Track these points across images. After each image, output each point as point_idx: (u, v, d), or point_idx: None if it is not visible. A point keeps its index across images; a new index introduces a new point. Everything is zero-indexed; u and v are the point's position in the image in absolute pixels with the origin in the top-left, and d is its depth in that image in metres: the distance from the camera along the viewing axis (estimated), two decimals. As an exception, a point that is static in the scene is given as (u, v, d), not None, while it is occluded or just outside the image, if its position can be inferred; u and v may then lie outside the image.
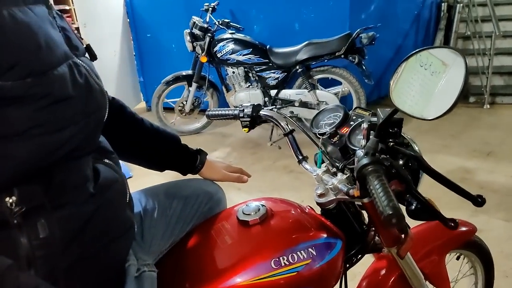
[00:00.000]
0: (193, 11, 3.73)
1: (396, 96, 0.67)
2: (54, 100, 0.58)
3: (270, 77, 3.45)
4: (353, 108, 1.00)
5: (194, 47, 3.54)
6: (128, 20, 4.43)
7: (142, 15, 4.35)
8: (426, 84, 0.64)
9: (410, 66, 0.67)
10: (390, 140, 0.73)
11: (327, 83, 3.50)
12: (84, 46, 0.76)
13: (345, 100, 3.52)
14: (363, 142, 0.76)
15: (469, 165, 3.04)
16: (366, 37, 3.05)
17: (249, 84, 3.57)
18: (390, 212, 0.58)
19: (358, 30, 3.07)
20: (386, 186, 0.63)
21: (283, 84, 3.46)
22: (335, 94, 3.37)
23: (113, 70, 4.20)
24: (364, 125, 0.74)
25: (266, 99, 3.52)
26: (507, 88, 4.40)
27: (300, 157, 1.05)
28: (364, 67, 3.17)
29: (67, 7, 4.10)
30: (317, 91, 3.36)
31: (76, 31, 0.77)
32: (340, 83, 3.42)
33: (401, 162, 0.82)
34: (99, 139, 0.75)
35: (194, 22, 3.51)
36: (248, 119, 1.08)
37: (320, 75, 3.39)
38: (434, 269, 1.14)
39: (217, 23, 3.48)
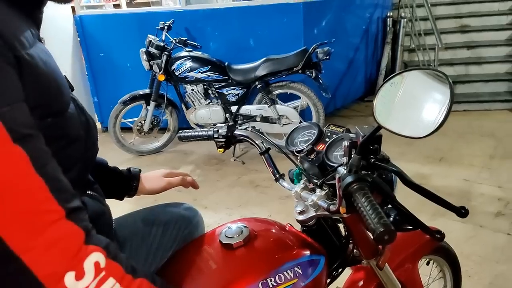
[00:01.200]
0: (147, 29, 3.69)
1: (378, 114, 0.69)
2: (70, 140, 0.57)
3: (230, 93, 3.46)
4: (327, 125, 1.03)
5: (151, 66, 3.49)
6: (79, 39, 4.28)
7: (93, 34, 4.22)
8: (407, 103, 0.67)
9: (391, 85, 0.70)
10: (371, 156, 0.76)
11: (286, 98, 3.57)
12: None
13: (303, 113, 3.60)
14: (344, 159, 0.78)
15: (424, 170, 3.20)
16: (322, 52, 3.15)
17: (209, 101, 3.56)
18: (382, 230, 0.60)
19: (314, 45, 3.17)
20: (374, 203, 0.64)
21: (243, 100, 3.48)
22: (295, 108, 3.44)
23: (65, 91, 4.04)
24: (346, 143, 0.76)
25: (227, 115, 3.52)
26: (451, 96, 4.71)
27: (278, 175, 1.05)
28: (321, 81, 3.27)
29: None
30: (277, 105, 3.42)
31: None
32: (298, 97, 3.50)
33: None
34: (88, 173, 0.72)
35: (150, 41, 3.46)
36: (223, 139, 1.08)
37: (279, 90, 3.45)
38: (409, 277, 1.18)
39: (173, 41, 3.45)
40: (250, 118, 3.47)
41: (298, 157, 0.98)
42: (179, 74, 3.45)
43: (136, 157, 3.84)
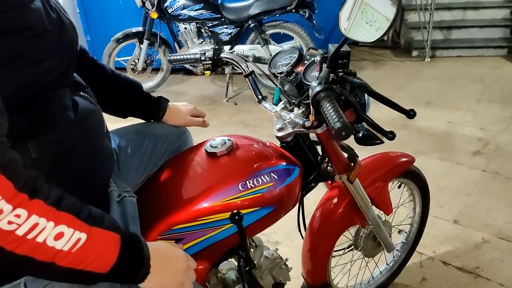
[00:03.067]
0: (139, -36, 3.58)
1: (343, 26, 0.76)
2: (34, 33, 0.62)
3: (223, 32, 3.45)
4: (307, 49, 1.09)
5: (143, 3, 3.44)
6: (69, -27, 4.16)
7: (83, -31, 4.10)
8: (365, 11, 0.73)
9: None
10: (340, 70, 0.83)
11: (279, 38, 3.56)
12: None
13: (297, 55, 3.61)
14: (316, 74, 0.86)
15: (411, 113, 3.29)
16: (316, -9, 3.12)
17: (202, 40, 3.56)
18: (340, 126, 0.69)
19: (308, -16, 3.13)
20: (336, 106, 0.73)
21: (236, 40, 3.48)
22: (288, 49, 3.45)
23: (56, 28, 3.99)
24: (317, 58, 0.84)
25: (220, 55, 3.52)
26: (446, 42, 4.69)
27: (260, 96, 1.13)
28: (314, 22, 3.26)
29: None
30: (270, 46, 3.42)
31: None
32: (292, 38, 3.50)
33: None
34: (73, 73, 0.79)
35: (143, -24, 3.38)
36: (210, 62, 1.14)
37: (272, 30, 3.44)
38: (379, 195, 1.30)
39: (166, -24, 3.38)
40: (243, 58, 3.48)
41: (278, 78, 1.06)
42: (172, 11, 3.41)
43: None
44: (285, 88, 1.08)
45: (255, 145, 1.06)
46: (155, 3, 3.39)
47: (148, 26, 3.53)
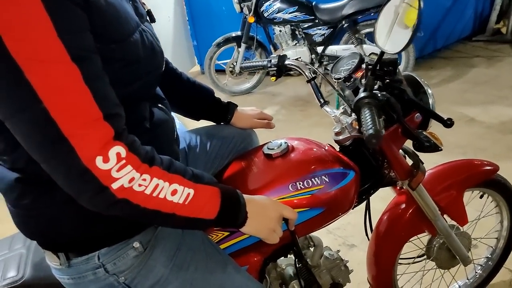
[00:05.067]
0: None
1: (379, 37, 0.77)
2: (129, 61, 0.75)
3: (316, 33, 3.48)
4: (369, 54, 1.10)
5: (241, 8, 3.65)
6: (180, -16, 4.60)
7: (193, -20, 4.50)
8: (396, 23, 0.73)
9: (388, 8, 0.76)
10: (386, 77, 0.84)
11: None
12: (146, 10, 0.93)
13: (394, 53, 3.47)
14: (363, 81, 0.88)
15: (525, 116, 2.93)
16: (414, -13, 2.96)
17: (296, 42, 3.64)
18: (371, 132, 0.71)
19: (406, -21, 2.98)
20: (373, 113, 0.75)
21: (329, 40, 3.48)
22: (383, 48, 3.34)
23: (168, 36, 4.44)
24: (363, 66, 0.85)
25: (313, 56, 3.57)
26: None
27: (322, 101, 1.17)
28: (413, 18, 3.09)
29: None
30: (364, 45, 3.35)
31: None
32: (388, 37, 3.37)
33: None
34: (156, 89, 0.94)
35: (241, -17, 3.59)
36: (275, 68, 1.22)
37: (367, 29, 3.37)
38: (451, 203, 1.24)
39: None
40: (335, 58, 3.46)
41: (336, 83, 1.09)
42: (268, 15, 3.55)
43: (230, 97, 4.15)
44: (345, 93, 1.10)
45: (312, 148, 1.10)
46: (252, 8, 3.57)
47: (246, 30, 3.73)
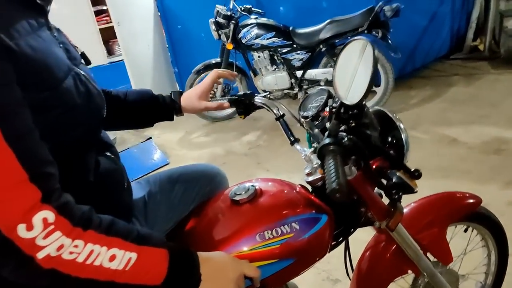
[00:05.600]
0: (219, -1, 3.80)
1: (338, 87, 0.72)
2: (66, 108, 0.70)
3: (295, 58, 3.47)
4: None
5: (219, 35, 3.63)
6: (159, 13, 4.58)
7: (171, 8, 4.48)
8: (351, 71, 0.68)
9: (346, 54, 0.71)
10: (351, 121, 0.78)
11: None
12: (79, 53, 0.88)
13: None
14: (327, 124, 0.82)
15: (507, 135, 2.91)
16: (389, 10, 2.98)
17: (275, 67, 3.61)
18: (334, 187, 0.65)
19: (380, 3, 3.00)
20: (337, 163, 0.69)
21: (308, 65, 3.47)
22: (362, 70, 3.33)
23: (148, 63, 4.40)
24: (327, 109, 0.80)
25: (293, 80, 3.55)
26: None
27: (292, 139, 1.11)
28: (389, 41, 3.10)
29: (104, 7, 4.33)
30: (344, 69, 3.34)
31: (71, 41, 0.89)
32: (367, 59, 3.37)
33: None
34: (100, 134, 0.87)
35: (218, 11, 3.58)
36: (243, 106, 1.16)
37: (345, 52, 3.36)
38: (433, 241, 1.17)
39: (239, 9, 3.54)
40: (315, 82, 3.46)
41: (305, 122, 1.03)
42: (246, 41, 3.54)
43: (210, 123, 4.09)
44: (314, 132, 1.04)
45: (282, 191, 1.03)
46: (230, 35, 3.56)
47: (225, 57, 3.71)
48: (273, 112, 1.13)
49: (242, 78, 3.92)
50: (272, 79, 3.61)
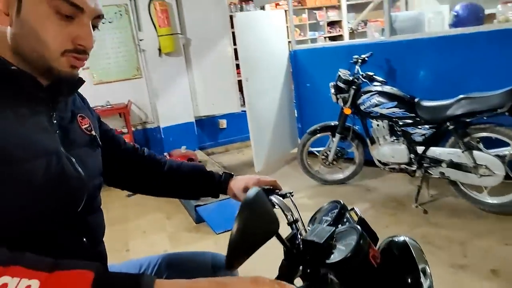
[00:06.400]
0: (349, 61, 3.70)
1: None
2: (23, 187, 0.71)
3: (416, 132, 3.11)
4: (350, 209, 0.87)
5: (337, 99, 3.53)
6: (291, 70, 4.74)
7: (303, 66, 4.60)
8: None
9: None
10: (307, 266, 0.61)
11: (491, 143, 2.91)
12: (91, 137, 0.91)
13: (513, 164, 2.85)
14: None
15: None
16: (540, 91, 2.44)
17: (395, 138, 3.30)
18: None
19: (529, 83, 2.49)
20: None
21: (431, 141, 3.06)
22: (500, 157, 2.77)
23: (271, 117, 4.54)
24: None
25: (412, 155, 3.17)
26: None
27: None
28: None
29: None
30: (475, 151, 2.84)
31: (88, 126, 0.93)
32: (508, 144, 2.80)
33: None
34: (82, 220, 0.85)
35: (339, 75, 3.51)
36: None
37: (480, 133, 2.86)
38: None
39: (361, 76, 3.39)
40: (437, 162, 3.01)
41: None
42: (365, 108, 3.35)
43: (319, 185, 3.94)
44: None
45: None
46: (349, 100, 3.42)
47: (341, 121, 3.58)
48: (285, 215, 0.99)
49: (359, 144, 3.70)
50: (389, 150, 3.30)
